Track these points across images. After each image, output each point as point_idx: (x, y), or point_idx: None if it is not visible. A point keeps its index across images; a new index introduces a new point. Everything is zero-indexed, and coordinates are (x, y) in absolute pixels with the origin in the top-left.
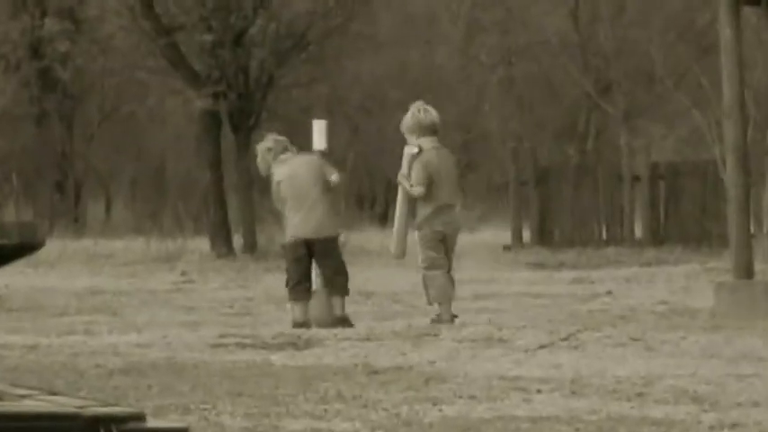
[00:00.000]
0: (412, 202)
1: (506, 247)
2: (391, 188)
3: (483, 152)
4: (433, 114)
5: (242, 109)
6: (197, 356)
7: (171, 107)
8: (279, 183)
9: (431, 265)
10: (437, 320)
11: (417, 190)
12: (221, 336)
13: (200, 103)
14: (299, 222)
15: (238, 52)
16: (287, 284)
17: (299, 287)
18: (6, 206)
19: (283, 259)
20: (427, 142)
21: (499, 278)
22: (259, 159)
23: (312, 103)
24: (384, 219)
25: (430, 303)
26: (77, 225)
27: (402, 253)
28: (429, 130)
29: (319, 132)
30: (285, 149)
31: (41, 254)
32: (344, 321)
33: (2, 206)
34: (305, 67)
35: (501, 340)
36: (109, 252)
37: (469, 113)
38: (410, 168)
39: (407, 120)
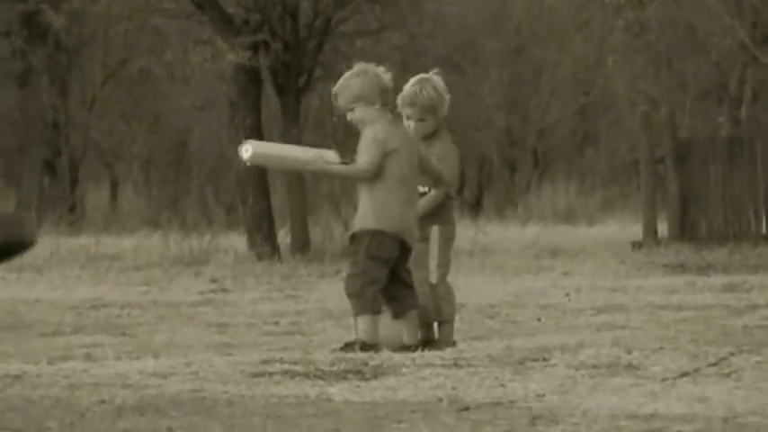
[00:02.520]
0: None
1: (636, 245)
2: (486, 165)
3: (606, 120)
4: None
5: (289, 64)
6: (232, 389)
7: (196, 63)
8: (385, 142)
9: (447, 272)
10: (438, 345)
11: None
12: (263, 362)
13: (235, 56)
14: (400, 213)
15: None
16: (352, 290)
17: (375, 295)
18: None
19: (353, 256)
20: None
21: (627, 285)
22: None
23: (382, 57)
24: (477, 207)
25: (443, 321)
26: (74, 217)
27: None
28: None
29: None
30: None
31: (28, 255)
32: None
33: None
34: (372, 9)
35: (630, 366)
36: (115, 252)
37: (588, 70)
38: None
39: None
